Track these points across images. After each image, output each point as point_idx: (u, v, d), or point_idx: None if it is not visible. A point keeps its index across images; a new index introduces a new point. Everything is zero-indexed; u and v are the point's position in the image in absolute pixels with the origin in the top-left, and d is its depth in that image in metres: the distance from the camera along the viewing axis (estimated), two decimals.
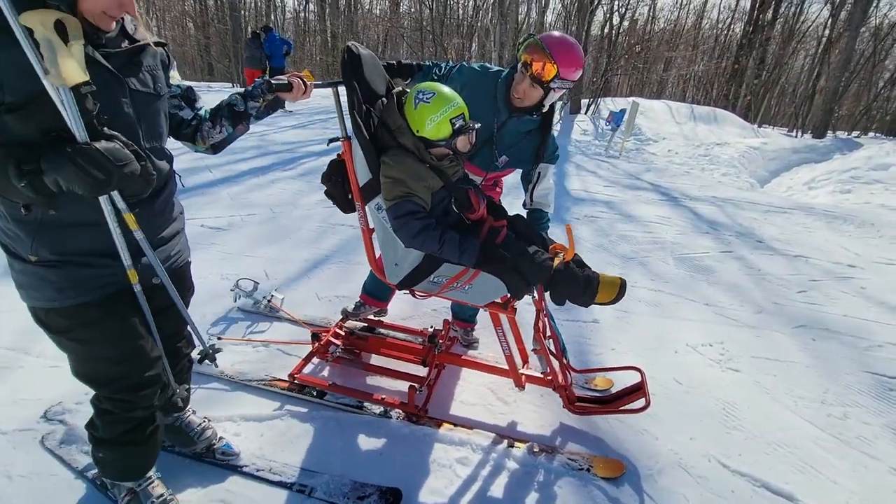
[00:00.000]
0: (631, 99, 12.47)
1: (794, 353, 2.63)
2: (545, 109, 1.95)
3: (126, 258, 1.18)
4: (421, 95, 1.63)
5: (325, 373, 2.23)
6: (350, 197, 1.83)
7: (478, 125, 1.69)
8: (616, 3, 17.31)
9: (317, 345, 2.21)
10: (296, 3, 26.71)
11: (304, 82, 1.45)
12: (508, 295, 1.70)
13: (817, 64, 20.49)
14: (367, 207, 1.78)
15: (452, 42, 17.61)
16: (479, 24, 18.54)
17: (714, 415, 2.14)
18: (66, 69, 0.91)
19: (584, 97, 15.21)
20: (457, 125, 1.62)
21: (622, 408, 1.94)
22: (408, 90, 1.74)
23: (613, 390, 2.23)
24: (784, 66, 22.26)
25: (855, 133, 17.42)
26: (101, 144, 0.96)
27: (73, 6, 0.96)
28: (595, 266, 2.48)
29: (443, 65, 2.11)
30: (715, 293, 3.27)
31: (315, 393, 2.04)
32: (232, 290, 2.67)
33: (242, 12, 21.54)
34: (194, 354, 1.63)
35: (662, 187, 6.00)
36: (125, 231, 1.16)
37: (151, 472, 1.45)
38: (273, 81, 1.42)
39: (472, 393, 2.16)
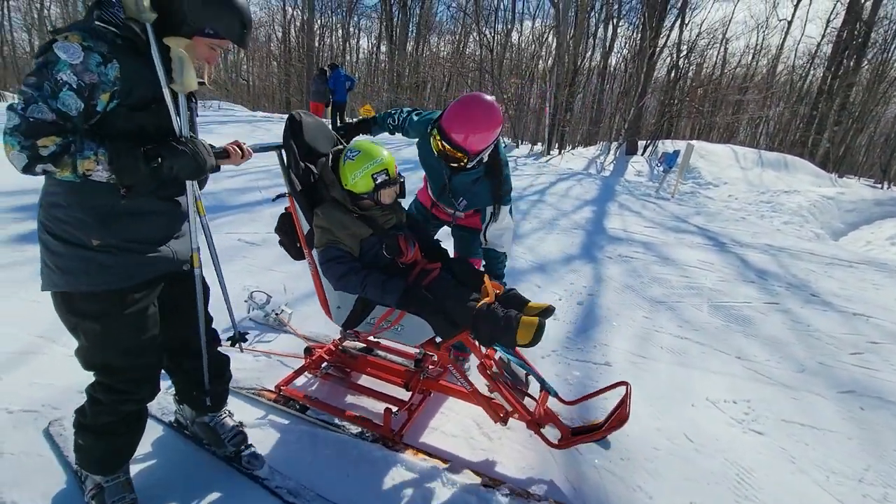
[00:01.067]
0: (688, 141, 12.03)
1: (835, 422, 2.30)
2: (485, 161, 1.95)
3: (194, 241, 1.43)
4: (349, 153, 1.79)
5: (314, 388, 2.24)
6: (298, 245, 1.96)
7: (402, 179, 1.85)
8: (683, 47, 17.07)
9: (309, 360, 2.23)
10: (370, 44, 28.72)
11: (241, 149, 1.52)
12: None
13: None
14: (313, 253, 1.89)
15: (511, 81, 18.04)
16: (536, 67, 18.93)
17: (724, 479, 1.90)
18: (189, 80, 1.22)
19: (641, 139, 14.90)
20: (378, 180, 1.75)
21: (608, 428, 1.74)
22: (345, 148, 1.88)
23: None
24: (870, 114, 20.63)
25: None
26: (199, 140, 1.28)
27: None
28: (620, 307, 2.28)
29: (396, 115, 2.18)
30: (750, 346, 2.97)
31: (298, 406, 2.05)
32: (245, 301, 2.79)
33: (319, 52, 23.45)
34: (224, 340, 1.75)
35: (711, 232, 5.64)
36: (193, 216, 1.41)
37: (120, 472, 1.50)
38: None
39: (456, 424, 2.07)
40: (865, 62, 18.86)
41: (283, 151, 1.86)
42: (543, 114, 13.96)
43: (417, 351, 2.24)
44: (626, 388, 1.83)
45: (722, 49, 22.45)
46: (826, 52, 20.17)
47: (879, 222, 9.46)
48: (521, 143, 16.20)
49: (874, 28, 18.04)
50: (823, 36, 21.42)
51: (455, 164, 1.90)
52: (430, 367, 2.15)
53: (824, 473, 1.97)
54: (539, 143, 15.95)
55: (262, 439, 1.88)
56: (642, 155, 13.82)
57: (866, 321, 3.42)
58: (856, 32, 17.07)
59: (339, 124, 10.80)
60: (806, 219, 8.06)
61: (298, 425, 1.97)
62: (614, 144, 14.62)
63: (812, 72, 23.01)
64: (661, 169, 9.05)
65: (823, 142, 18.56)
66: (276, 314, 2.77)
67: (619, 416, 1.71)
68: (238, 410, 2.03)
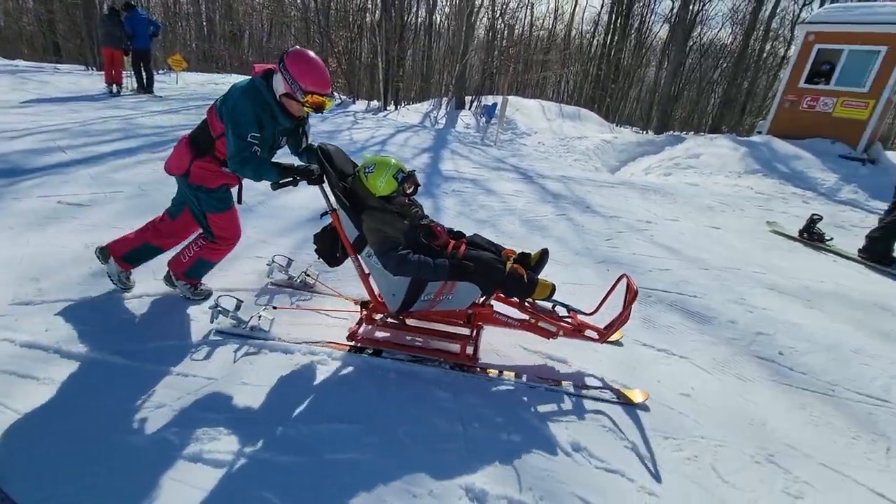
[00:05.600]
0: (503, 95, 13.61)
1: (592, 279, 3.45)
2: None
3: None
4: (366, 170, 2.18)
5: (377, 335, 2.42)
6: (337, 255, 2.35)
7: (413, 171, 2.23)
8: (496, 9, 18.70)
9: (365, 312, 2.37)
10: None
11: None
12: (483, 296, 2.18)
13: (661, 74, 24.15)
14: (360, 257, 2.20)
15: (340, 35, 17.58)
16: (365, 21, 18.73)
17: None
18: None
19: (467, 94, 16.27)
20: (399, 178, 2.16)
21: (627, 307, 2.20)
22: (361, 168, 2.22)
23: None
24: (636, 74, 25.78)
25: (685, 132, 20.91)
26: None
27: None
28: (455, 227, 2.91)
29: (253, 149, 2.08)
30: (545, 243, 4.05)
31: (373, 351, 2.26)
32: (268, 265, 2.84)
33: None
34: None
35: (522, 168, 6.91)
36: None
37: None
38: None
39: (505, 346, 2.49)
40: (630, 31, 23.32)
41: (326, 179, 2.18)
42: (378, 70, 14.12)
43: None
44: (626, 279, 2.25)
45: (528, 12, 25.14)
46: (605, 20, 24.25)
47: (640, 159, 12.33)
48: (358, 100, 16.22)
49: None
50: (602, 5, 25.60)
51: (316, 110, 2.10)
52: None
53: (586, 308, 3.02)
54: (375, 100, 16.17)
55: (358, 382, 2.09)
56: (469, 109, 15.20)
57: (617, 220, 4.86)
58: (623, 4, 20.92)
59: (144, 74, 9.51)
60: (590, 157, 10.18)
61: (376, 366, 2.20)
62: (444, 99, 15.70)
63: (596, 37, 27.49)
64: (484, 120, 10.27)
65: (606, 98, 22.73)
66: (306, 275, 2.87)
67: (630, 296, 2.19)
68: (318, 363, 2.17)
